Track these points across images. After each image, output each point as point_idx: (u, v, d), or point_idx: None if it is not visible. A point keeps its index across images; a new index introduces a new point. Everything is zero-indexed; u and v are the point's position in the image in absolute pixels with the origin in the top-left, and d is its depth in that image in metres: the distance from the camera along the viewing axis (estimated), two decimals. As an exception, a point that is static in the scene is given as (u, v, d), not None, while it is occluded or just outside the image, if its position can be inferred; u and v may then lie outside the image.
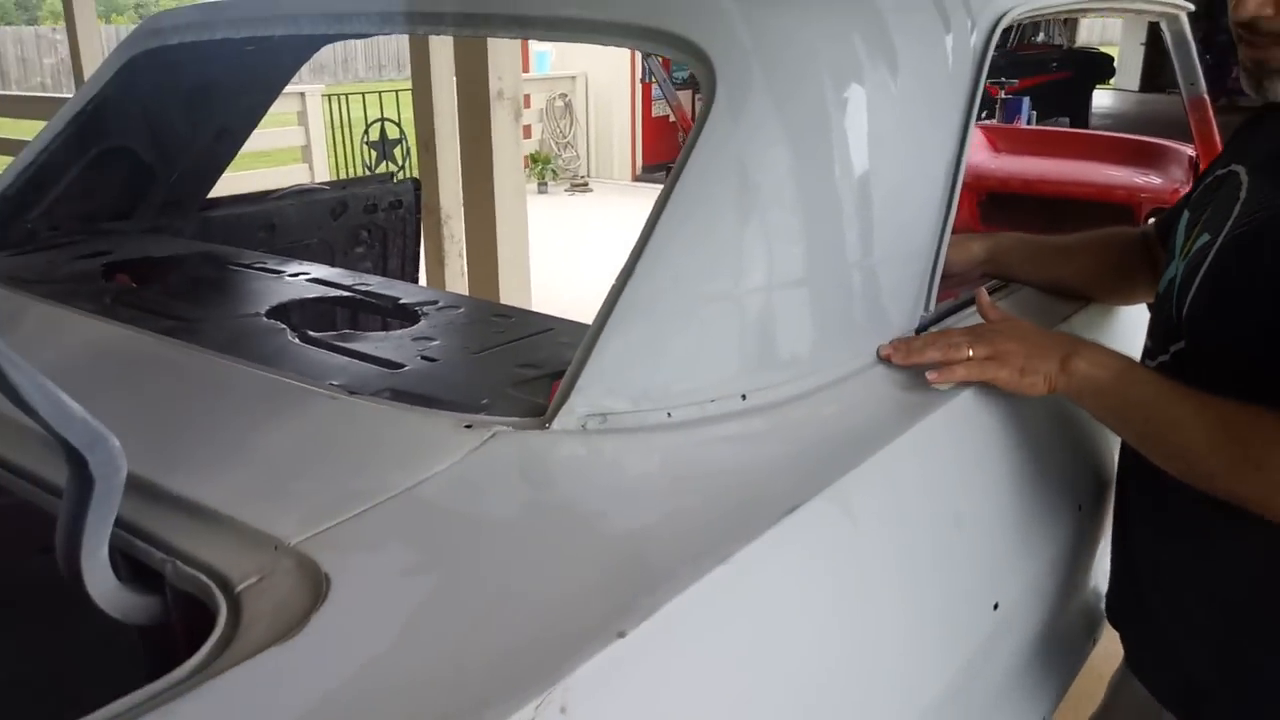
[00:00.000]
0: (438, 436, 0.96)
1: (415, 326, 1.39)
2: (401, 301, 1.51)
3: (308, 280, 1.64)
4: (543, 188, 9.64)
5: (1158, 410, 1.05)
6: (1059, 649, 1.32)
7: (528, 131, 9.82)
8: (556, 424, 0.99)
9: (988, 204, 2.85)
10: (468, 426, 0.98)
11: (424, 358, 1.24)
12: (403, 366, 1.21)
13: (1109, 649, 1.36)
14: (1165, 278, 1.20)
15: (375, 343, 1.31)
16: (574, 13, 1.23)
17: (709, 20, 1.13)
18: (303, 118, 8.17)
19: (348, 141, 9.18)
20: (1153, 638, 1.23)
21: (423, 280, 4.09)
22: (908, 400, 1.12)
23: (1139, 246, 1.42)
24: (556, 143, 10.05)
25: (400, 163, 8.91)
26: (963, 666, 1.07)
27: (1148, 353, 1.22)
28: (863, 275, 1.16)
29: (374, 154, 8.95)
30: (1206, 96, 2.21)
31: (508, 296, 3.82)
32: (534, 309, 3.93)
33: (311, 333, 1.33)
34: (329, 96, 8.92)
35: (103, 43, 6.66)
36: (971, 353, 1.13)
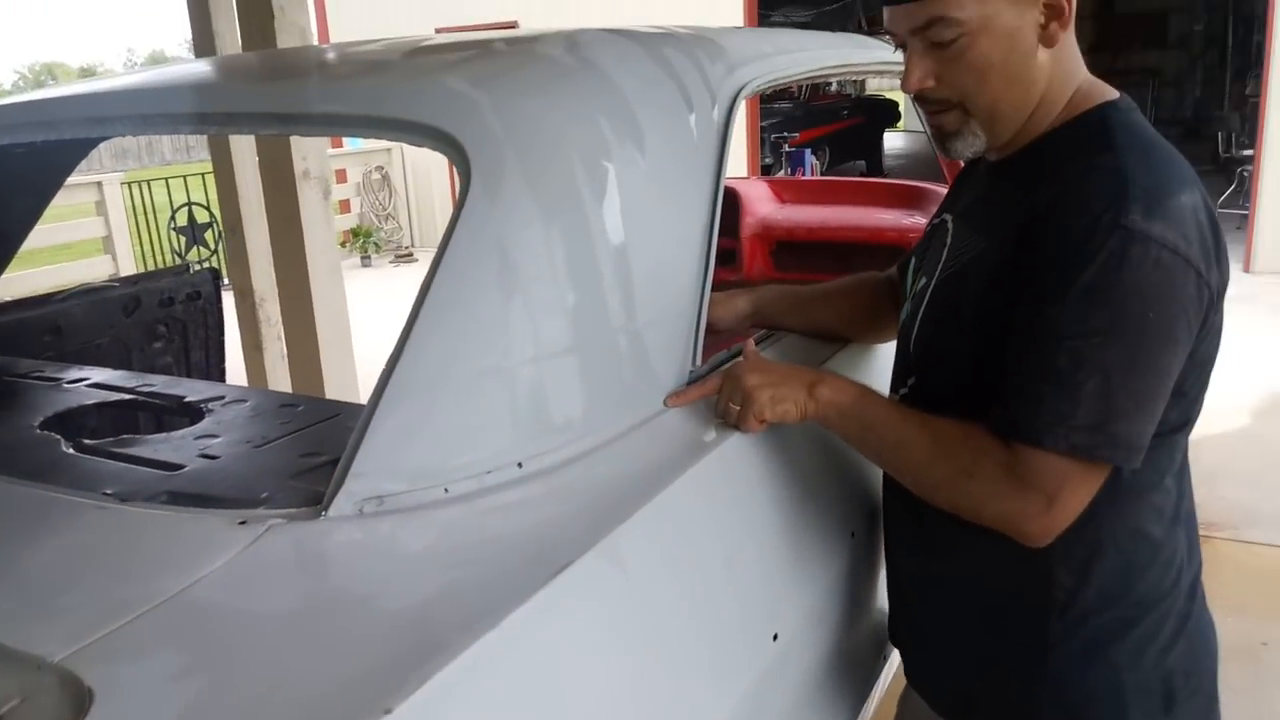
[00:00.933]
0: (210, 536, 0.97)
1: (199, 424, 1.38)
2: (186, 399, 1.49)
3: (88, 386, 1.60)
4: (366, 261, 9.53)
5: (888, 430, 1.17)
6: (847, 670, 1.41)
7: (346, 206, 9.71)
8: (333, 511, 1.01)
9: (779, 252, 3.03)
10: (242, 523, 0.99)
11: (204, 456, 1.24)
12: (181, 468, 1.20)
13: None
14: (901, 318, 1.33)
15: (155, 445, 1.29)
16: (333, 109, 1.28)
17: (460, 111, 1.19)
18: (101, 207, 7.82)
19: (154, 228, 8.84)
20: (923, 651, 1.33)
21: (239, 369, 3.98)
22: (677, 452, 1.19)
23: (886, 288, 1.56)
24: (377, 215, 9.97)
25: (213, 247, 8.65)
26: (746, 697, 1.14)
27: (893, 386, 1.34)
28: (628, 339, 1.23)
29: (183, 240, 8.65)
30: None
31: (331, 378, 3.75)
32: (360, 386, 3.87)
33: (87, 441, 1.31)
34: (129, 184, 8.58)
35: None
36: (730, 402, 1.23)
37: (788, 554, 1.27)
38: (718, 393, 1.24)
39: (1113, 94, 1.15)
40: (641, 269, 1.25)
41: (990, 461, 1.05)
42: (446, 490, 1.05)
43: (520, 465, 1.10)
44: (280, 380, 4.09)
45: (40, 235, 2.17)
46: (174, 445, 1.29)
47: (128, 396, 1.55)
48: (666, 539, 1.08)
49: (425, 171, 10.09)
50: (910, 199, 3.00)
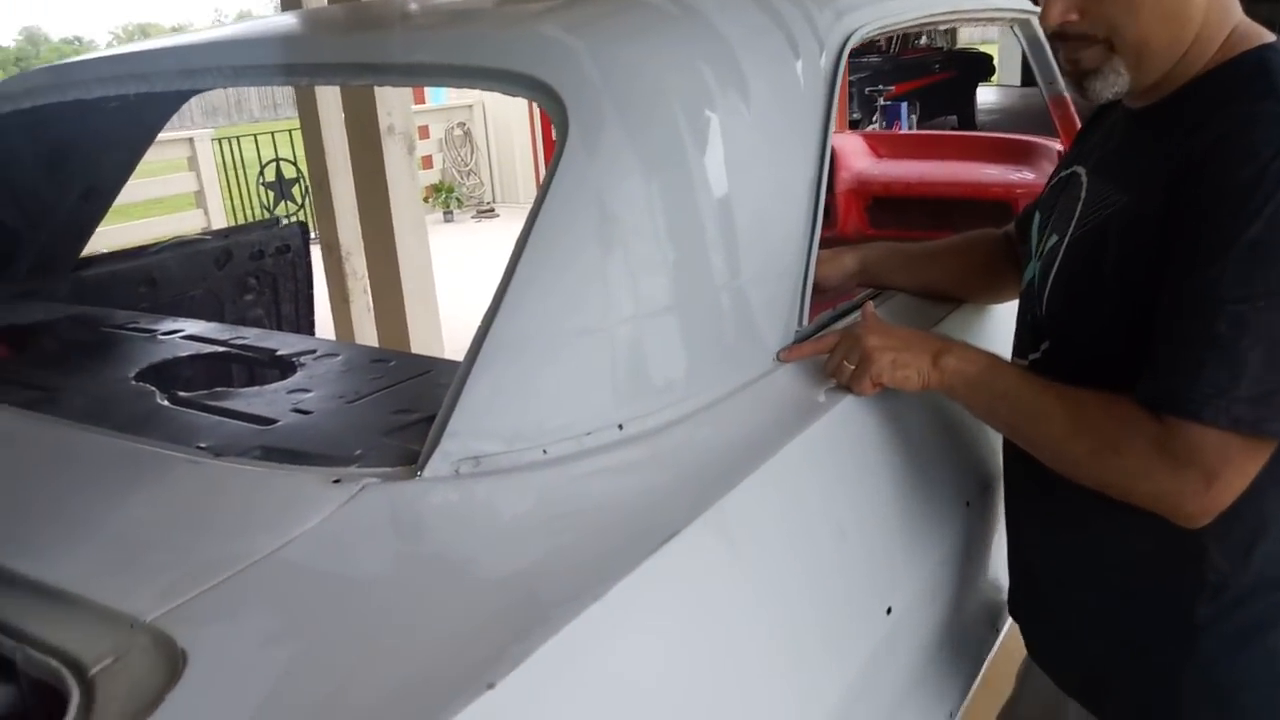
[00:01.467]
0: (304, 494, 0.94)
1: (291, 378, 1.36)
2: (278, 353, 1.48)
3: (182, 338, 1.59)
4: (448, 216, 9.58)
5: (1022, 401, 1.09)
6: (961, 643, 1.35)
7: (428, 161, 9.75)
8: (428, 471, 0.98)
9: (874, 208, 2.92)
10: (336, 481, 0.96)
11: (297, 411, 1.22)
12: (275, 422, 1.18)
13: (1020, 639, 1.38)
14: (1025, 277, 1.24)
15: (248, 399, 1.28)
16: (427, 58, 1.23)
17: (557, 60, 1.13)
18: (193, 163, 7.99)
19: (243, 184, 9.01)
20: (1050, 630, 1.26)
21: (327, 321, 4.03)
22: (785, 415, 1.13)
23: (1003, 246, 1.46)
24: (459, 171, 9.99)
25: (300, 201, 8.78)
26: (861, 671, 1.08)
27: (1019, 350, 1.25)
28: (731, 297, 1.17)
29: (271, 194, 8.80)
30: (1066, 94, 2.30)
31: (416, 331, 3.78)
32: (445, 340, 3.88)
33: (182, 393, 1.30)
34: (219, 140, 8.74)
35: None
36: (846, 360, 1.16)
37: (901, 524, 1.20)
38: (831, 351, 1.18)
39: (1270, 36, 1.04)
40: (745, 224, 1.18)
41: (1140, 436, 0.97)
42: (545, 451, 1.01)
43: (621, 427, 1.06)
44: (366, 332, 4.13)
45: (134, 189, 2.18)
46: (267, 399, 1.28)
47: (221, 349, 1.55)
48: (776, 506, 1.03)
49: (506, 128, 10.07)
50: (1017, 153, 2.85)
